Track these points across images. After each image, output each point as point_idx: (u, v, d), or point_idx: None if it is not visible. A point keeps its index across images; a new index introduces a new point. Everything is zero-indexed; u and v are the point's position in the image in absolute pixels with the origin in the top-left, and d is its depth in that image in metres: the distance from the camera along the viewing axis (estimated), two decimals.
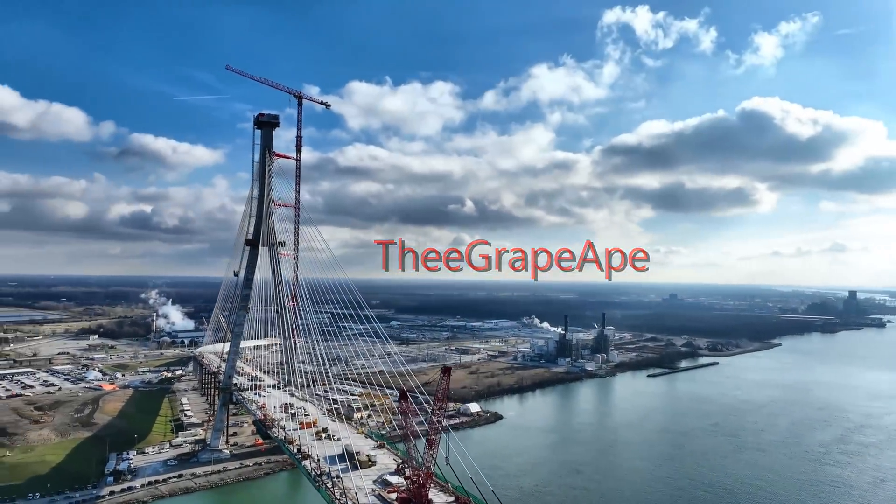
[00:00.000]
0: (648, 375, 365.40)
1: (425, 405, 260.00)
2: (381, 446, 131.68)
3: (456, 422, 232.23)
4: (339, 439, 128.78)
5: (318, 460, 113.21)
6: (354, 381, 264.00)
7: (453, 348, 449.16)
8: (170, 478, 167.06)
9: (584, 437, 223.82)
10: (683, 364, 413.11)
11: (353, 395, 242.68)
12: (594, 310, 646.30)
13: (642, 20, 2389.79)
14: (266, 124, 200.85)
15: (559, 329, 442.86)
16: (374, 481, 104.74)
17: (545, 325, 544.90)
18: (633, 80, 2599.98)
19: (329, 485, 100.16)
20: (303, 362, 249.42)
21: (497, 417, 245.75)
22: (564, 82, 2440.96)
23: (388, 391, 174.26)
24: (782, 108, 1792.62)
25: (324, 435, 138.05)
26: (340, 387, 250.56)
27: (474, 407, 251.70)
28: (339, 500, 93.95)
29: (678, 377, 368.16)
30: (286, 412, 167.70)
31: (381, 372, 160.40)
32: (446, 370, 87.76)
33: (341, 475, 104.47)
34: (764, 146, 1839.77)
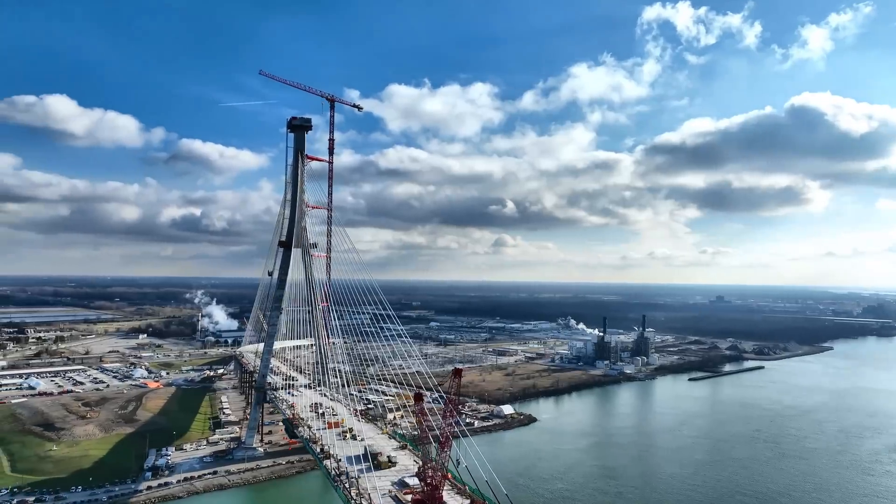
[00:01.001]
0: (690, 379, 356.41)
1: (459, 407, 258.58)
2: (403, 447, 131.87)
3: (489, 424, 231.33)
4: (362, 440, 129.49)
5: (339, 460, 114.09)
6: (391, 381, 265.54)
7: (490, 350, 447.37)
8: (205, 474, 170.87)
9: (619, 441, 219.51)
10: (727, 368, 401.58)
11: (387, 395, 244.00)
12: (637, 312, 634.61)
13: (683, 16, 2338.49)
14: (299, 128, 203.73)
15: (597, 331, 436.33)
16: (392, 483, 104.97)
17: (581, 326, 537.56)
18: (675, 78, 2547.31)
19: (347, 485, 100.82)
20: (341, 362, 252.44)
21: (531, 420, 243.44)
22: (604, 81, 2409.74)
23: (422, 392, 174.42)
24: (834, 104, 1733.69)
25: (348, 435, 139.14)
26: (376, 387, 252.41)
27: (508, 409, 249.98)
28: (354, 500, 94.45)
29: (721, 381, 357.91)
30: (315, 412, 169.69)
31: (417, 373, 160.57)
32: (457, 372, 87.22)
33: (360, 476, 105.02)
34: (815, 143, 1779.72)
